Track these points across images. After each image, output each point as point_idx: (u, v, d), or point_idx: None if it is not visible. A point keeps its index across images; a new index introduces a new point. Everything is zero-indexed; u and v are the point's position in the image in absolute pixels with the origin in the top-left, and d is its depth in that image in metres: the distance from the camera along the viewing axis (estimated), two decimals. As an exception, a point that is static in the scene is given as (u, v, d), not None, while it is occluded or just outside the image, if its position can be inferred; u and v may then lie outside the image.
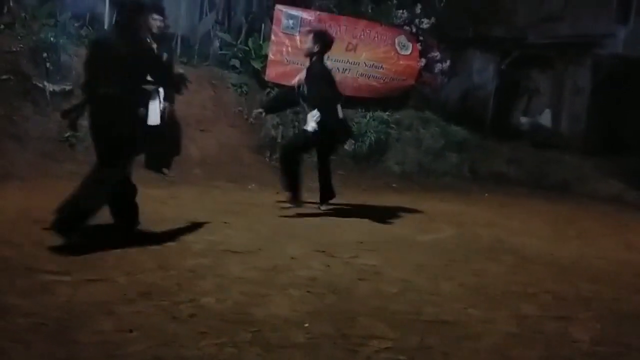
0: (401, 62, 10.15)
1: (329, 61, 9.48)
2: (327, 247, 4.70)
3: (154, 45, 6.73)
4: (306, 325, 3.12)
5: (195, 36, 9.88)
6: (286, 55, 9.20)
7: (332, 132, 5.99)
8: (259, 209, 6.07)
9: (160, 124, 7.25)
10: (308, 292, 3.66)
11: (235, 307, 3.29)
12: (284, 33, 9.26)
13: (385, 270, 4.28)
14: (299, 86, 6.12)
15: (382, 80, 10.09)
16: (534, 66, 12.86)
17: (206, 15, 10.09)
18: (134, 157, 4.86)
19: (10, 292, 3.21)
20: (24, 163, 6.69)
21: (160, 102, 7.26)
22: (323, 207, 6.22)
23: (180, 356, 2.67)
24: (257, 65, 9.48)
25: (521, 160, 10.78)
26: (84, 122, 7.42)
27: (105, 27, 8.73)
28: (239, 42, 9.74)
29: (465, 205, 7.62)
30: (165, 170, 7.50)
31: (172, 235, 4.68)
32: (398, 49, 10.10)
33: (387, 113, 10.01)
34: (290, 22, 9.24)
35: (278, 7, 9.34)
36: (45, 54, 7.54)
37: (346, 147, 9.02)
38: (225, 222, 5.32)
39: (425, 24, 10.48)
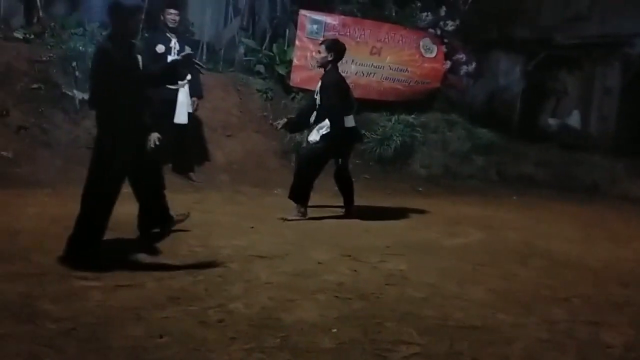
0: (426, 65, 10.11)
1: (354, 65, 9.61)
2: (354, 252, 4.70)
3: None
4: (334, 330, 3.11)
5: (221, 42, 9.98)
6: (311, 60, 9.22)
7: (342, 140, 5.98)
8: (284, 213, 6.08)
9: (188, 123, 7.33)
10: (335, 297, 3.65)
11: (264, 312, 3.30)
12: (308, 38, 9.28)
13: (412, 275, 4.25)
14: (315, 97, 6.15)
15: (407, 84, 10.06)
16: (561, 67, 12.70)
17: (231, 21, 10.19)
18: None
19: (42, 297, 3.27)
20: (54, 170, 6.81)
21: (188, 100, 7.31)
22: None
23: (210, 361, 2.69)
24: (281, 70, 9.53)
25: (549, 163, 10.63)
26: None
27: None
28: (263, 47, 9.81)
29: (492, 209, 7.54)
30: (192, 175, 7.57)
31: (200, 240, 4.72)
32: (423, 51, 10.06)
33: (412, 116, 9.96)
34: (315, 27, 9.26)
35: (302, 12, 9.37)
36: (74, 63, 7.68)
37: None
38: (251, 227, 5.35)
39: (450, 26, 10.41)
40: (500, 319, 3.48)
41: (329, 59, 5.91)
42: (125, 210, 5.56)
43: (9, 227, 4.67)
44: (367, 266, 4.39)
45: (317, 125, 5.97)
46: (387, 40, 9.80)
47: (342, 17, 9.76)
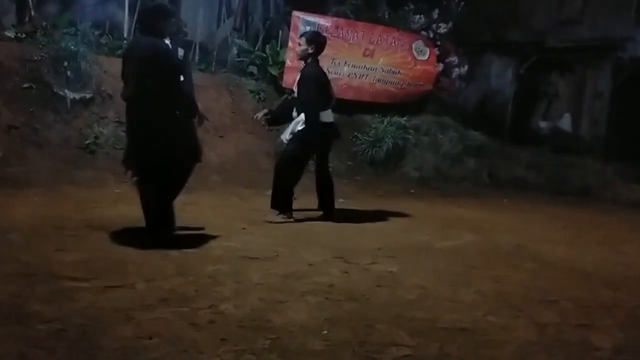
0: (418, 67, 10.14)
1: (346, 66, 9.62)
2: (345, 254, 4.70)
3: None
4: (324, 332, 3.11)
5: (213, 43, 9.97)
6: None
7: (317, 136, 5.79)
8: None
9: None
10: (326, 298, 3.65)
11: (254, 313, 3.30)
12: (301, 39, 9.28)
13: (403, 276, 4.26)
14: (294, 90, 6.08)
15: (399, 86, 10.08)
16: (553, 70, 12.77)
17: (224, 22, 10.18)
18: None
19: (31, 298, 3.25)
20: (45, 170, 6.78)
21: None
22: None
23: (199, 363, 2.69)
24: (274, 71, 9.53)
25: (541, 166, 10.68)
26: (104, 130, 7.60)
27: (125, 35, 8.84)
28: (256, 48, 9.81)
29: (484, 211, 7.57)
30: None
31: (191, 241, 4.71)
32: (415, 54, 10.09)
33: (404, 118, 9.99)
34: (308, 28, 9.25)
35: (295, 13, 9.37)
36: (66, 63, 7.66)
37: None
38: (243, 228, 5.35)
39: (443, 28, 10.45)
40: (490, 321, 3.48)
41: (310, 51, 5.86)
42: (118, 211, 5.56)
43: (-2, 227, 4.64)
44: (358, 268, 4.39)
45: (294, 121, 5.86)
46: (379, 42, 9.83)
47: (335, 18, 9.78)
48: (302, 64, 6.03)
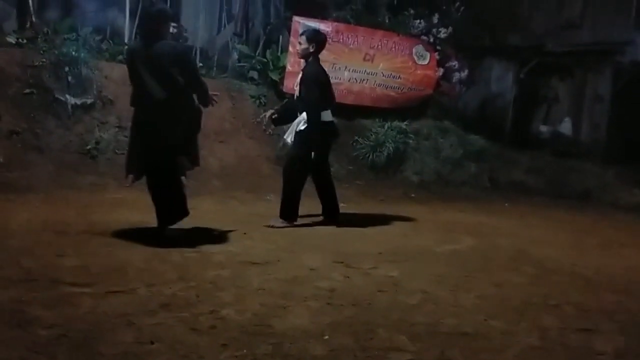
0: (419, 72, 10.16)
1: (347, 71, 9.64)
2: (346, 258, 4.70)
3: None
4: (326, 337, 3.11)
5: (214, 48, 9.99)
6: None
7: (319, 135, 5.79)
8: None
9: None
10: (328, 303, 3.65)
11: (255, 318, 3.30)
12: (301, 44, 9.29)
13: (404, 281, 4.26)
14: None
15: (399, 90, 10.10)
16: (553, 74, 12.79)
17: (224, 27, 10.20)
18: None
19: (33, 303, 3.25)
20: (46, 175, 6.79)
21: None
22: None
23: (201, 368, 2.69)
24: (275, 76, 9.54)
25: (541, 170, 10.68)
26: (105, 135, 7.62)
27: (126, 40, 8.86)
28: (257, 53, 9.83)
29: (484, 215, 7.57)
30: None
31: (192, 246, 4.71)
32: (415, 58, 10.11)
33: (405, 123, 9.99)
34: (308, 33, 9.27)
35: (295, 18, 9.39)
36: (67, 68, 7.67)
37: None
38: (244, 233, 5.35)
39: (443, 33, 10.47)
40: (491, 326, 3.48)
41: (310, 50, 5.83)
42: (119, 216, 5.57)
43: (-1, 233, 4.64)
44: (359, 273, 4.39)
45: (296, 120, 5.86)
46: (380, 47, 9.85)
47: (336, 23, 9.80)
48: (302, 62, 6.01)
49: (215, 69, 9.56)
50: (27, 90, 7.40)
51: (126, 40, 8.96)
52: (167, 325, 3.10)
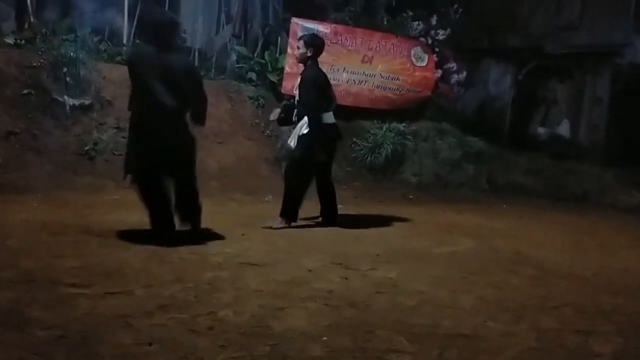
0: (417, 74, 10.18)
1: (345, 73, 9.65)
2: (344, 260, 4.70)
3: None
4: (324, 338, 3.11)
5: (212, 49, 9.99)
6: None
7: (321, 138, 5.81)
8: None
9: None
10: (326, 304, 3.65)
11: (253, 320, 3.29)
12: (299, 46, 9.30)
13: (402, 283, 4.26)
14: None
15: (398, 92, 10.11)
16: (552, 76, 12.79)
17: (223, 28, 10.20)
18: None
19: (30, 304, 3.25)
20: (44, 176, 6.79)
21: None
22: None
23: (199, 369, 2.68)
24: (273, 78, 9.55)
25: (539, 171, 10.70)
26: (103, 136, 7.61)
27: (124, 41, 8.85)
28: (255, 55, 9.83)
29: (483, 217, 7.57)
30: None
31: (190, 247, 4.71)
32: (414, 60, 10.13)
33: (403, 124, 10.00)
34: (306, 34, 9.27)
35: (294, 20, 9.40)
36: (65, 69, 7.67)
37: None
38: (242, 235, 5.34)
39: (441, 35, 10.48)
40: (490, 327, 3.48)
41: (308, 54, 5.85)
42: (117, 217, 5.56)
43: (-3, 234, 4.63)
44: (357, 274, 4.39)
45: (298, 122, 5.87)
46: (378, 48, 9.86)
47: (334, 25, 9.81)
48: (301, 67, 6.03)
49: (213, 70, 9.56)
50: (25, 91, 7.39)
51: (124, 41, 8.96)
52: (165, 327, 3.09)
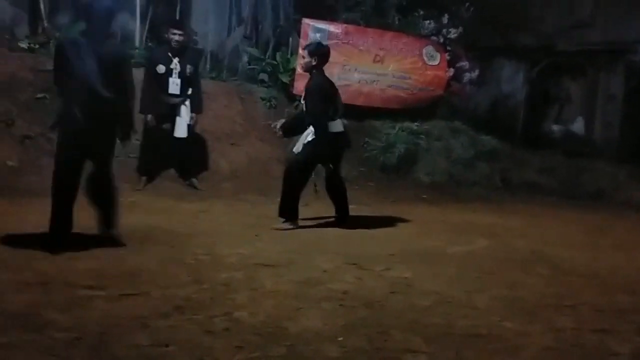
0: (429, 73, 10.14)
1: (357, 73, 9.63)
2: (359, 260, 4.69)
3: None
4: (340, 339, 3.11)
5: (224, 51, 10.02)
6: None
7: (327, 146, 5.83)
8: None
9: (188, 136, 7.43)
10: (341, 305, 3.65)
11: (269, 320, 3.30)
12: (311, 46, 9.30)
13: (417, 282, 4.25)
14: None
15: (410, 91, 10.08)
16: (565, 74, 12.70)
17: (234, 30, 10.22)
18: None
19: (47, 306, 3.27)
20: (59, 179, 6.81)
21: (188, 114, 7.40)
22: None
23: (215, 370, 2.69)
24: (285, 79, 9.57)
25: (553, 169, 10.62)
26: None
27: (137, 44, 8.89)
28: (267, 56, 9.85)
29: (497, 216, 7.53)
30: (194, 181, 7.61)
31: (205, 248, 4.73)
32: (426, 59, 10.09)
33: (416, 124, 9.97)
34: (318, 35, 9.27)
35: (305, 20, 9.40)
36: (78, 72, 7.68)
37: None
38: (256, 235, 5.36)
39: (453, 33, 10.46)
40: (506, 327, 3.46)
41: (313, 63, 5.87)
42: (132, 219, 5.58)
43: (13, 236, 4.67)
44: (372, 274, 4.38)
45: (305, 133, 5.89)
46: (390, 48, 9.84)
47: (345, 25, 9.80)
48: (307, 75, 6.06)
49: (225, 72, 9.59)
50: (40, 95, 7.45)
51: (137, 44, 9.00)
52: (181, 328, 3.11)
